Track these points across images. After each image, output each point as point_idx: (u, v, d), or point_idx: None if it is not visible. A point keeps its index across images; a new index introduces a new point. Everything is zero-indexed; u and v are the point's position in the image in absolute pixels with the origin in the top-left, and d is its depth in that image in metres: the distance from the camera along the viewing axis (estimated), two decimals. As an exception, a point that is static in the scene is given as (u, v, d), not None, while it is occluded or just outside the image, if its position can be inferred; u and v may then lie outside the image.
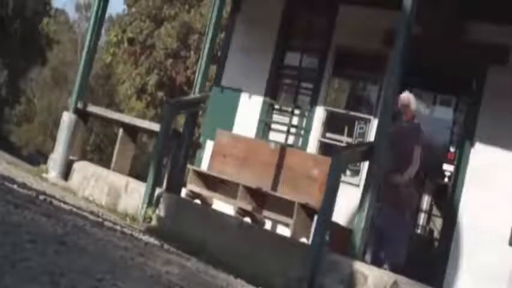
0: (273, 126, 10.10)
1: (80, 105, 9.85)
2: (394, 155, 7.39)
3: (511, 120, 7.93)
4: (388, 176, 7.22)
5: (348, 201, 7.39)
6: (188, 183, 9.10)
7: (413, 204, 7.84)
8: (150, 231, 7.50)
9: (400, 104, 7.60)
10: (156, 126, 9.13)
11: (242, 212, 8.58)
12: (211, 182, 8.98)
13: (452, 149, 8.79)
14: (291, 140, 9.86)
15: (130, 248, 5.44)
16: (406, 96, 7.71)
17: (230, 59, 10.53)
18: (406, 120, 7.69)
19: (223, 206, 8.80)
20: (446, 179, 8.62)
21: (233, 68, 10.44)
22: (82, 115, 9.90)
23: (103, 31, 15.55)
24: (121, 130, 10.12)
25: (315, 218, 7.08)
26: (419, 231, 9.05)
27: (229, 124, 10.12)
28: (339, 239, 7.02)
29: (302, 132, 9.73)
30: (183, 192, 9.01)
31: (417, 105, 7.86)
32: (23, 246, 4.01)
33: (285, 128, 9.96)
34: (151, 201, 8.21)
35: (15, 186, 6.97)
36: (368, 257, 7.22)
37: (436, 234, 8.75)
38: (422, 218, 9.00)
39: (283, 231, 8.40)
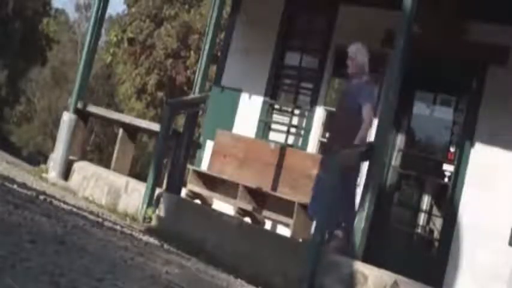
0: (273, 126, 10.09)
1: (80, 105, 9.86)
2: (337, 117, 7.12)
3: (511, 120, 7.93)
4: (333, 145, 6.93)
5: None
6: (188, 183, 9.10)
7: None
8: (150, 231, 7.50)
9: (348, 58, 7.19)
10: (156, 126, 9.14)
11: (242, 212, 8.59)
12: (211, 182, 8.98)
13: (452, 149, 8.78)
14: (291, 140, 9.85)
15: (130, 248, 5.45)
16: (354, 47, 7.29)
17: (230, 59, 10.53)
18: (352, 75, 7.24)
19: (223, 206, 8.80)
20: (446, 179, 8.62)
21: (233, 68, 10.43)
22: (82, 115, 9.91)
23: (103, 31, 15.54)
24: (121, 130, 10.13)
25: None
26: (419, 231, 9.05)
27: (229, 124, 10.12)
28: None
29: (302, 132, 9.73)
30: (183, 192, 9.01)
31: (364, 57, 7.25)
32: (23, 246, 4.01)
33: (285, 128, 9.95)
34: (151, 201, 8.21)
35: (15, 186, 6.97)
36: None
37: (436, 234, 8.74)
38: (422, 218, 8.99)
39: (283, 231, 8.40)
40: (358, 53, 7.25)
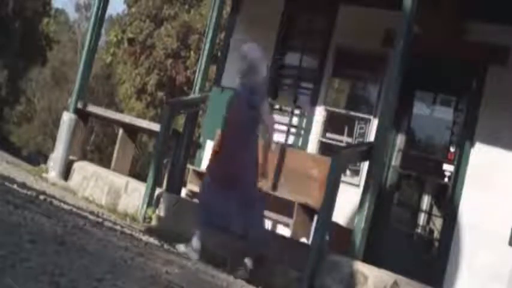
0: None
1: (80, 105, 9.85)
2: (233, 121, 6.76)
3: (511, 120, 7.93)
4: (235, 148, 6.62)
5: (348, 201, 7.39)
6: (188, 183, 9.10)
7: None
8: (150, 231, 7.50)
9: (240, 57, 6.82)
10: (156, 126, 9.13)
11: (242, 212, 8.57)
12: (211, 182, 8.95)
13: (452, 149, 8.79)
14: (291, 140, 9.85)
15: (130, 248, 5.44)
16: (246, 47, 6.90)
17: (230, 59, 10.53)
18: (244, 75, 6.80)
19: (223, 206, 8.78)
20: (446, 179, 8.62)
21: (233, 68, 10.42)
22: (82, 115, 9.91)
23: (103, 31, 15.54)
24: (121, 130, 10.14)
25: (315, 218, 7.08)
26: (419, 231, 9.05)
27: (229, 124, 10.09)
28: (339, 239, 7.03)
29: (302, 132, 9.73)
30: (183, 192, 9.01)
31: (257, 57, 6.80)
32: (23, 246, 4.01)
33: (285, 128, 9.95)
34: (151, 201, 8.21)
35: (15, 186, 6.96)
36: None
37: (436, 234, 8.74)
38: (422, 218, 9.00)
39: (283, 231, 8.40)
40: (249, 52, 6.82)
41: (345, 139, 9.31)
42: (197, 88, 8.91)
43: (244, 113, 6.71)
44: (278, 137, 9.87)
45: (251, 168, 6.63)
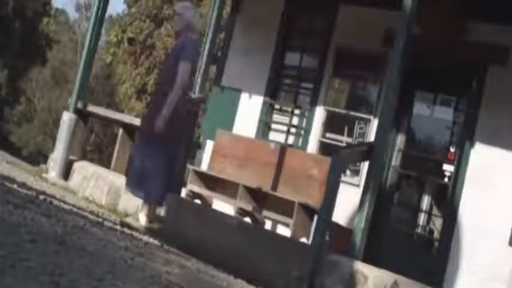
0: (273, 126, 10.09)
1: (80, 105, 9.86)
2: (163, 75, 7.15)
3: (511, 120, 7.93)
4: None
5: (348, 201, 7.39)
6: (188, 183, 9.10)
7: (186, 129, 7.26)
8: (150, 231, 7.50)
9: (176, 15, 7.33)
10: (156, 126, 9.12)
11: (242, 212, 8.58)
12: (211, 182, 8.98)
13: (452, 149, 8.78)
14: (291, 140, 9.86)
15: (130, 248, 5.45)
16: (181, 5, 7.41)
17: (230, 59, 10.53)
18: (179, 32, 7.32)
19: (223, 206, 8.80)
20: (446, 179, 8.62)
21: (233, 68, 10.43)
22: (82, 115, 9.91)
23: (103, 31, 15.54)
24: (121, 130, 10.14)
25: (315, 218, 7.08)
26: (419, 231, 9.05)
27: (229, 124, 10.12)
28: (339, 239, 7.03)
29: (302, 132, 9.73)
30: (183, 192, 9.00)
31: (191, 15, 7.32)
32: (23, 246, 4.01)
33: (285, 128, 9.96)
34: (152, 201, 8.19)
35: (15, 186, 6.97)
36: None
37: (436, 234, 8.74)
38: (422, 218, 9.00)
39: (283, 231, 8.40)
40: (185, 10, 7.31)
41: (345, 139, 9.31)
42: (197, 88, 8.91)
43: (170, 68, 7.02)
44: (278, 137, 9.90)
45: (170, 125, 6.95)
